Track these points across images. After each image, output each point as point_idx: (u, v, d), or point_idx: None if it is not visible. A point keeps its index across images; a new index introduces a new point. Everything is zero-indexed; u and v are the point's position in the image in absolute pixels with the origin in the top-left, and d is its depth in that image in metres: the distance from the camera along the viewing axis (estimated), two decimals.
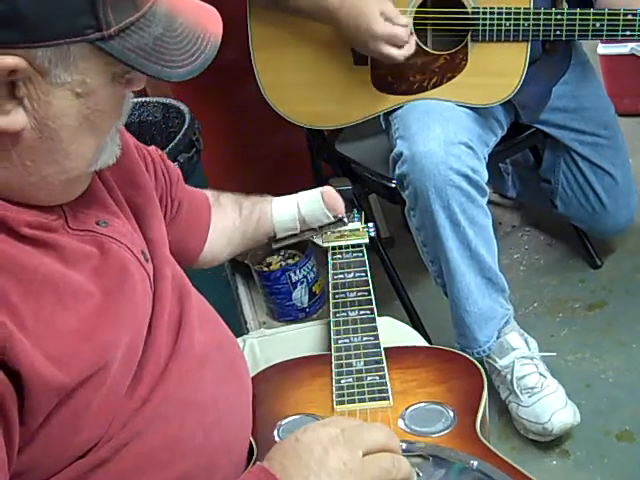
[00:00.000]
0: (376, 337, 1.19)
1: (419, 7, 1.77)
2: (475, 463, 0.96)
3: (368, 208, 2.38)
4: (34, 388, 0.76)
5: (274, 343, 1.39)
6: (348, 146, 2.10)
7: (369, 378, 1.13)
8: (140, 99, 1.92)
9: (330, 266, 1.35)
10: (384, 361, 1.15)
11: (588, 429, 1.80)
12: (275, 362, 1.25)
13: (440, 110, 1.80)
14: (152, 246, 1.01)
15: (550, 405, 1.77)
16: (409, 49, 1.72)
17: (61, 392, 0.79)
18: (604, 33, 1.75)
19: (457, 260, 1.79)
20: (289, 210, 1.36)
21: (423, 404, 1.10)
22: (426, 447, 1.00)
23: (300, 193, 1.38)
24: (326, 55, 1.83)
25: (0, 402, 0.75)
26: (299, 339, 1.38)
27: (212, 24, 0.86)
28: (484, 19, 1.75)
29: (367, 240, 1.40)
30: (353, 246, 1.38)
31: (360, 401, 1.09)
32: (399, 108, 1.85)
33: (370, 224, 1.45)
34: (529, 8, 1.74)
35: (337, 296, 1.28)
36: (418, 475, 0.94)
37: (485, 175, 1.81)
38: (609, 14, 1.73)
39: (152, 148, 1.22)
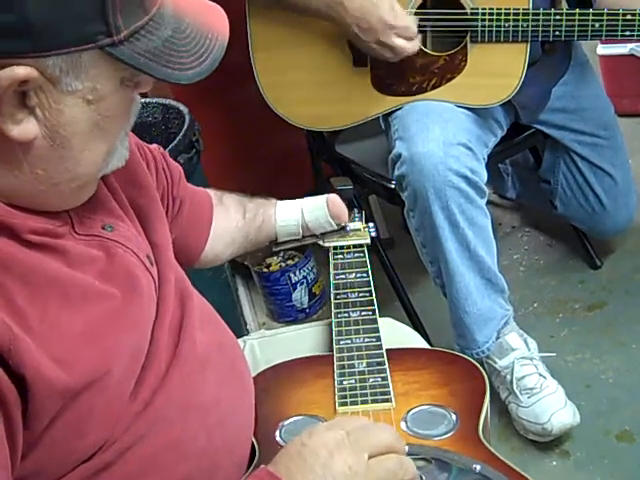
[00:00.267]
0: (378, 338, 1.19)
1: (418, 8, 1.77)
2: (478, 467, 0.96)
3: (368, 209, 2.38)
4: (39, 391, 0.76)
5: (274, 344, 1.38)
6: (348, 147, 2.10)
7: (371, 380, 1.12)
8: (140, 100, 1.91)
9: (332, 266, 1.35)
10: (386, 362, 1.15)
11: (588, 429, 1.80)
12: (276, 362, 1.25)
13: (439, 111, 1.80)
14: (156, 250, 1.01)
15: (550, 406, 1.76)
16: (416, 45, 1.72)
17: (66, 395, 0.79)
18: (603, 33, 1.75)
19: (456, 261, 1.79)
20: (293, 216, 1.35)
21: (425, 407, 1.10)
22: (429, 450, 1.00)
23: (305, 199, 1.37)
24: (326, 56, 1.83)
25: (4, 405, 0.74)
26: (299, 340, 1.38)
27: (218, 22, 0.86)
28: (483, 20, 1.75)
29: (368, 240, 1.40)
30: (355, 246, 1.38)
31: (362, 403, 1.09)
32: (398, 109, 1.85)
33: (371, 224, 1.45)
34: (528, 9, 1.74)
35: (339, 297, 1.28)
36: (421, 478, 0.94)
37: (484, 176, 1.81)
38: (608, 14, 1.73)
39: (154, 146, 1.21)
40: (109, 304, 0.86)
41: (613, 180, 2.07)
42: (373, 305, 1.25)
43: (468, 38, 1.77)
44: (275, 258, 2.27)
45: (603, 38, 1.79)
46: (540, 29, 1.75)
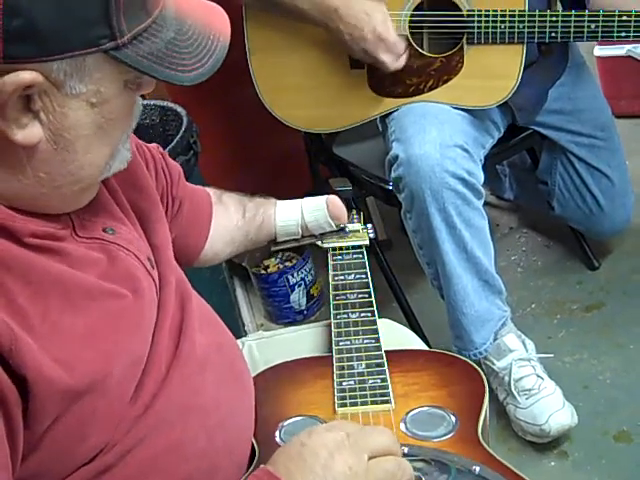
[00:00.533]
0: (377, 339, 1.19)
1: (415, 10, 1.77)
2: (477, 468, 0.96)
3: (365, 210, 2.38)
4: (40, 391, 0.76)
5: (272, 345, 1.38)
6: (346, 149, 2.10)
7: (371, 381, 1.12)
8: (141, 102, 1.91)
9: (331, 267, 1.34)
10: (385, 364, 1.15)
11: (586, 430, 1.81)
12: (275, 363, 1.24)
13: (436, 113, 1.80)
14: (157, 252, 1.01)
15: (547, 406, 1.77)
16: (401, 63, 1.75)
17: (66, 395, 0.79)
18: (599, 34, 1.75)
19: (453, 262, 1.79)
20: (293, 216, 1.35)
21: (425, 408, 1.10)
22: (428, 451, 1.00)
23: (305, 199, 1.37)
24: (323, 59, 1.84)
25: (4, 405, 0.74)
26: (297, 341, 1.38)
27: (220, 23, 0.86)
28: (479, 21, 1.75)
29: (367, 241, 1.40)
30: (353, 247, 1.38)
31: (362, 404, 1.09)
32: (395, 111, 1.85)
33: (369, 225, 1.45)
34: (524, 10, 1.74)
35: (338, 298, 1.28)
36: (420, 479, 0.94)
37: (481, 177, 1.81)
38: (604, 15, 1.73)
39: (153, 146, 1.21)
40: (117, 303, 0.87)
41: (610, 181, 2.08)
42: (372, 306, 1.25)
43: (464, 40, 1.77)
44: (273, 260, 2.27)
45: (599, 39, 1.79)
46: (536, 30, 1.75)
